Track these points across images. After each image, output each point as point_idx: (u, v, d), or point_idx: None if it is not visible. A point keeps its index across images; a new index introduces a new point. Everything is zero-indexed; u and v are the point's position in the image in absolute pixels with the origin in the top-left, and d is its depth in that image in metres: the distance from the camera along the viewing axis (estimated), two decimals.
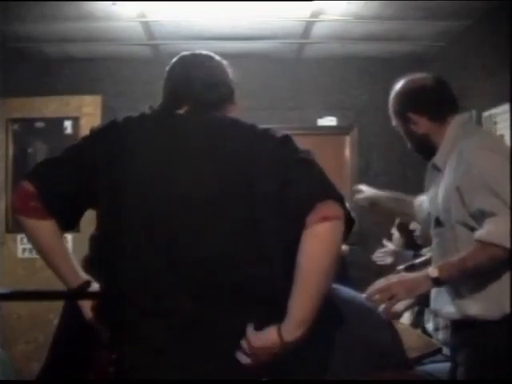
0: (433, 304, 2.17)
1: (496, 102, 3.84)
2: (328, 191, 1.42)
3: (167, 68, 1.70)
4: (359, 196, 2.50)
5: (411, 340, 2.57)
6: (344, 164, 5.38)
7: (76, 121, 4.59)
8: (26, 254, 4.50)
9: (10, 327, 4.38)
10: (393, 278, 1.96)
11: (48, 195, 1.51)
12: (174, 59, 1.71)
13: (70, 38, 4.61)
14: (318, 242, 1.37)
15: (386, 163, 5.26)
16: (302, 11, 4.13)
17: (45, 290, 1.73)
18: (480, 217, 1.91)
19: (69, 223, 1.57)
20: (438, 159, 2.12)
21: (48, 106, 4.60)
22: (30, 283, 4.19)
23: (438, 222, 2.09)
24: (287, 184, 1.42)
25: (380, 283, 1.93)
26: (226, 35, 4.52)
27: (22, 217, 1.54)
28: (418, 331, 3.31)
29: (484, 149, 1.98)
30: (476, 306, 1.98)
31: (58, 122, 4.62)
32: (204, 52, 1.72)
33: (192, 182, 1.45)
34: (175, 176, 1.46)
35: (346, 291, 1.86)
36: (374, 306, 1.89)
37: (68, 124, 4.62)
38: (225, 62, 1.71)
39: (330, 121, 5.31)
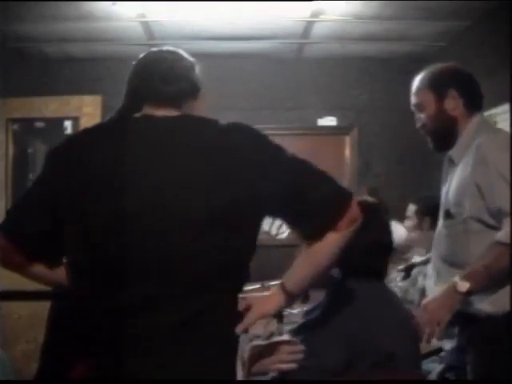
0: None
1: (496, 102, 3.83)
2: (345, 192, 1.46)
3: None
4: None
5: None
6: (344, 164, 5.38)
7: (76, 121, 4.59)
8: None
9: (11, 327, 4.38)
10: (427, 308, 1.95)
11: (26, 246, 1.51)
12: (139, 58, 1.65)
13: (69, 38, 4.61)
14: (342, 240, 1.44)
15: (386, 163, 5.26)
16: (302, 11, 4.13)
17: (45, 290, 1.73)
18: (499, 216, 1.90)
19: (56, 259, 1.55)
20: (454, 153, 2.12)
21: (48, 106, 4.60)
22: (30, 283, 4.18)
23: (448, 215, 2.08)
24: (302, 189, 1.43)
25: (420, 319, 1.92)
26: (226, 35, 4.52)
27: (10, 269, 1.60)
28: None
29: (503, 147, 1.96)
30: (478, 301, 1.96)
31: (57, 122, 4.62)
32: (168, 48, 1.65)
33: (155, 185, 1.39)
34: (137, 179, 1.39)
35: None
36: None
37: (68, 124, 4.62)
38: (191, 59, 1.63)
39: (330, 121, 5.31)
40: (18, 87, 4.64)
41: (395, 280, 3.65)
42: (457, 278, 1.93)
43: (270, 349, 1.62)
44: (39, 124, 4.66)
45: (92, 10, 3.98)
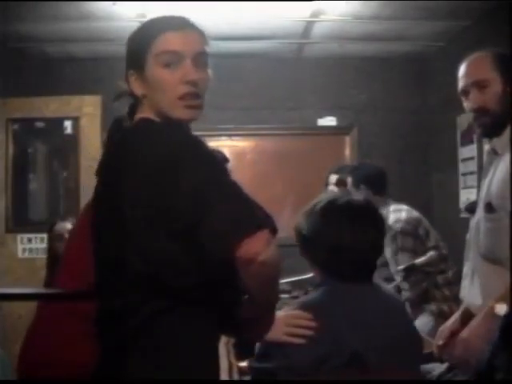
0: (467, 298, 2.07)
1: None
2: (240, 229, 1.26)
3: None
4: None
5: None
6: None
7: (76, 121, 4.60)
8: (26, 254, 4.51)
9: (11, 327, 4.39)
10: (462, 339, 1.76)
11: None
12: None
13: (70, 38, 4.61)
14: (259, 283, 1.32)
15: (385, 163, 5.26)
16: (302, 11, 4.14)
17: (45, 290, 1.75)
18: None
19: None
20: (498, 143, 2.01)
21: (48, 106, 4.60)
22: (30, 283, 4.19)
23: (490, 207, 1.94)
24: (200, 222, 1.27)
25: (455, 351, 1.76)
26: (225, 35, 4.52)
27: None
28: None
29: None
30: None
31: (58, 122, 4.62)
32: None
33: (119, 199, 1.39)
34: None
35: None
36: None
37: (68, 124, 4.62)
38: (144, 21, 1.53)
39: (329, 121, 5.31)
40: (18, 87, 4.65)
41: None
42: (493, 301, 1.76)
43: (287, 319, 1.64)
44: (39, 124, 4.66)
45: (92, 10, 3.98)
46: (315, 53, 5.16)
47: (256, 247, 1.24)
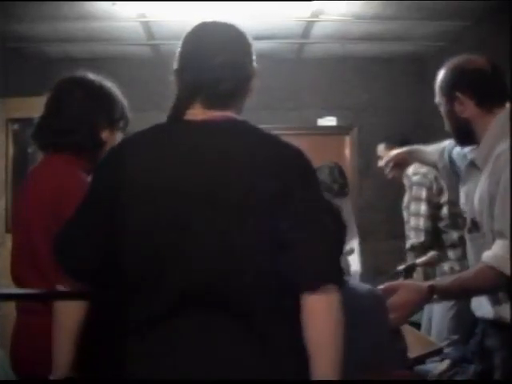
0: (472, 302, 2.07)
1: None
2: (330, 275, 1.28)
3: (181, 41, 1.49)
4: (384, 164, 2.49)
5: (411, 340, 2.57)
6: (344, 164, 5.38)
7: None
8: None
9: (11, 327, 4.38)
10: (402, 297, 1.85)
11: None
12: (189, 31, 1.50)
13: (70, 38, 4.61)
14: (321, 321, 1.28)
15: None
16: (302, 11, 4.14)
17: (45, 290, 1.73)
18: (496, 234, 1.80)
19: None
20: (477, 157, 1.97)
21: None
22: None
23: (474, 225, 1.95)
24: (289, 245, 1.27)
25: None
26: None
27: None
28: (419, 331, 3.31)
29: None
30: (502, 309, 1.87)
31: None
32: (221, 22, 1.55)
33: (204, 196, 1.31)
34: (186, 189, 1.32)
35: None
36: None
37: None
38: (245, 33, 1.55)
39: (329, 121, 5.31)
40: (18, 87, 4.64)
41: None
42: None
43: None
44: None
45: (92, 10, 3.98)
46: (315, 53, 5.16)
47: (334, 292, 1.27)
